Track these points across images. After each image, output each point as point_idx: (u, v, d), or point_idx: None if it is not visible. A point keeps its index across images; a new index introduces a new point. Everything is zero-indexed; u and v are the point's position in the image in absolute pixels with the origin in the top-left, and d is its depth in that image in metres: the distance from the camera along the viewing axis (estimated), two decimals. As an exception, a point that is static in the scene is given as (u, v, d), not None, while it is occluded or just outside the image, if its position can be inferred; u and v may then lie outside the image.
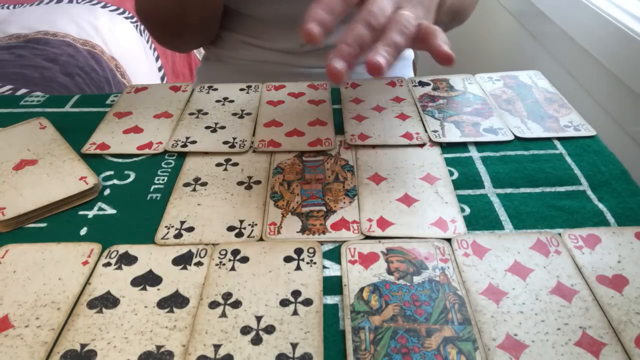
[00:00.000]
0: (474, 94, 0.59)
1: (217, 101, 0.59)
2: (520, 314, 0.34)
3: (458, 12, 0.65)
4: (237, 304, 0.35)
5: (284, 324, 0.34)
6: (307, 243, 0.40)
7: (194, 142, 0.52)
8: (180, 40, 0.70)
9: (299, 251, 0.39)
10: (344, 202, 0.44)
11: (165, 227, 0.42)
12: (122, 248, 0.40)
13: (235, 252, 0.39)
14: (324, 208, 0.44)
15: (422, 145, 0.51)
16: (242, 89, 0.61)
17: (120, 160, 0.50)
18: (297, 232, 0.41)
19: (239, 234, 0.41)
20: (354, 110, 0.57)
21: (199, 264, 0.38)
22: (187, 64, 1.64)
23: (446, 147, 0.51)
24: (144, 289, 0.37)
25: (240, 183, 0.47)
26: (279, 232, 0.41)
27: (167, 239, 0.41)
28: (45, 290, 0.37)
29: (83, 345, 0.33)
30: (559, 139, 0.52)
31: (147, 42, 1.47)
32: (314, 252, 0.39)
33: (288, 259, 0.38)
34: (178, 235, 0.41)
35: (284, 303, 0.35)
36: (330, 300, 0.36)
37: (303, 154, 0.50)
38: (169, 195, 0.45)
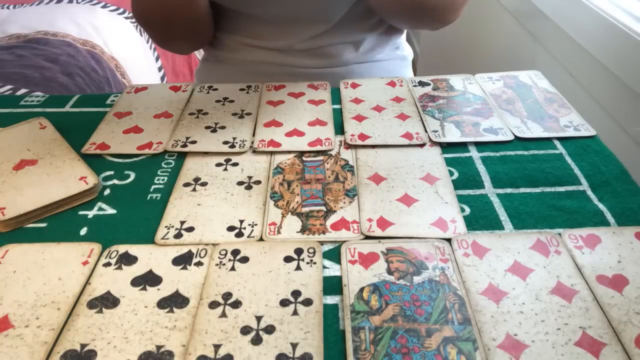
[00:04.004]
0: (474, 94, 0.59)
1: (217, 101, 0.59)
2: (520, 314, 0.34)
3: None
4: (237, 304, 0.35)
5: (284, 324, 0.34)
6: (307, 243, 0.40)
7: (194, 142, 0.52)
8: (172, 42, 0.70)
9: (299, 251, 0.39)
10: (344, 202, 0.44)
11: (165, 227, 0.42)
12: (122, 248, 0.40)
13: (235, 252, 0.39)
14: (324, 208, 0.44)
15: (422, 145, 0.51)
16: (242, 89, 0.61)
17: (120, 160, 0.50)
18: (297, 232, 0.41)
19: (239, 234, 0.41)
20: (354, 110, 0.57)
21: (199, 264, 0.38)
22: (187, 64, 1.64)
23: (446, 147, 0.51)
24: (144, 289, 0.37)
25: (240, 183, 0.47)
26: (279, 232, 0.41)
27: (167, 239, 0.41)
28: (45, 290, 0.37)
29: (83, 345, 0.33)
30: (559, 139, 0.52)
31: (147, 42, 1.47)
32: (314, 252, 0.39)
33: (288, 259, 0.38)
34: (178, 235, 0.41)
35: (284, 303, 0.35)
36: (330, 300, 0.36)
37: (303, 154, 0.50)
38: (169, 195, 0.45)
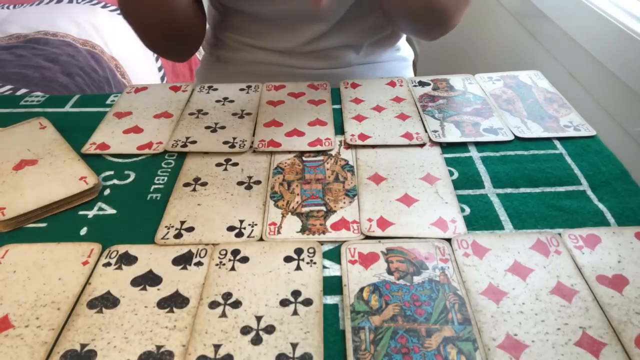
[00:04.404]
0: (474, 94, 0.59)
1: (217, 101, 0.59)
2: (520, 314, 0.34)
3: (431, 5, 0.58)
4: (237, 304, 0.35)
5: (284, 324, 0.34)
6: (307, 243, 0.40)
7: (194, 142, 0.52)
8: (158, 45, 0.68)
9: (299, 251, 0.39)
10: (344, 202, 0.44)
11: (165, 227, 0.42)
12: (122, 248, 0.40)
13: (235, 252, 0.39)
14: (324, 208, 0.44)
15: (422, 145, 0.51)
16: (242, 89, 0.61)
17: (120, 160, 0.50)
18: (297, 232, 0.41)
19: (239, 234, 0.41)
20: (354, 110, 0.57)
21: (199, 264, 0.38)
22: (187, 64, 1.64)
23: (446, 147, 0.51)
24: (144, 289, 0.37)
25: (240, 183, 0.47)
26: (279, 232, 0.41)
27: (167, 239, 0.41)
28: (45, 290, 0.37)
29: (83, 345, 0.33)
30: (559, 139, 0.52)
31: (147, 42, 1.47)
32: (314, 252, 0.39)
33: (288, 259, 0.38)
34: (178, 235, 0.41)
35: (284, 303, 0.35)
36: (330, 300, 0.36)
37: (303, 154, 0.50)
38: (169, 195, 0.45)
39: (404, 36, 0.78)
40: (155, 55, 1.49)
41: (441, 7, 0.59)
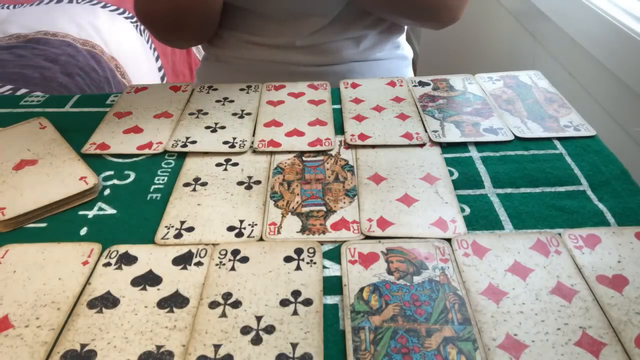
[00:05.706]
0: (474, 94, 0.59)
1: (217, 101, 0.59)
2: (520, 314, 0.34)
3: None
4: (237, 304, 0.35)
5: (284, 324, 0.34)
6: (307, 243, 0.40)
7: (194, 142, 0.52)
8: (180, 39, 0.71)
9: (299, 251, 0.39)
10: (344, 202, 0.44)
11: (165, 227, 0.42)
12: (122, 248, 0.40)
13: (235, 252, 0.39)
14: (324, 208, 0.44)
15: (422, 145, 0.51)
16: (242, 89, 0.61)
17: (120, 160, 0.50)
18: (297, 232, 0.41)
19: (239, 234, 0.41)
20: (354, 110, 0.57)
21: (199, 264, 0.38)
22: (187, 64, 1.64)
23: (446, 147, 0.51)
24: (144, 289, 0.37)
25: (240, 183, 0.47)
26: (279, 232, 0.41)
27: (167, 239, 0.41)
28: (45, 290, 0.37)
29: (83, 345, 0.33)
30: (559, 139, 0.52)
31: (147, 42, 1.47)
32: (314, 252, 0.39)
33: (288, 259, 0.38)
34: (178, 235, 0.41)
35: (284, 303, 0.35)
36: (330, 300, 0.36)
37: (303, 154, 0.50)
38: (169, 195, 0.45)
39: (404, 34, 0.78)
40: (156, 55, 1.49)
41: (431, 5, 0.60)
